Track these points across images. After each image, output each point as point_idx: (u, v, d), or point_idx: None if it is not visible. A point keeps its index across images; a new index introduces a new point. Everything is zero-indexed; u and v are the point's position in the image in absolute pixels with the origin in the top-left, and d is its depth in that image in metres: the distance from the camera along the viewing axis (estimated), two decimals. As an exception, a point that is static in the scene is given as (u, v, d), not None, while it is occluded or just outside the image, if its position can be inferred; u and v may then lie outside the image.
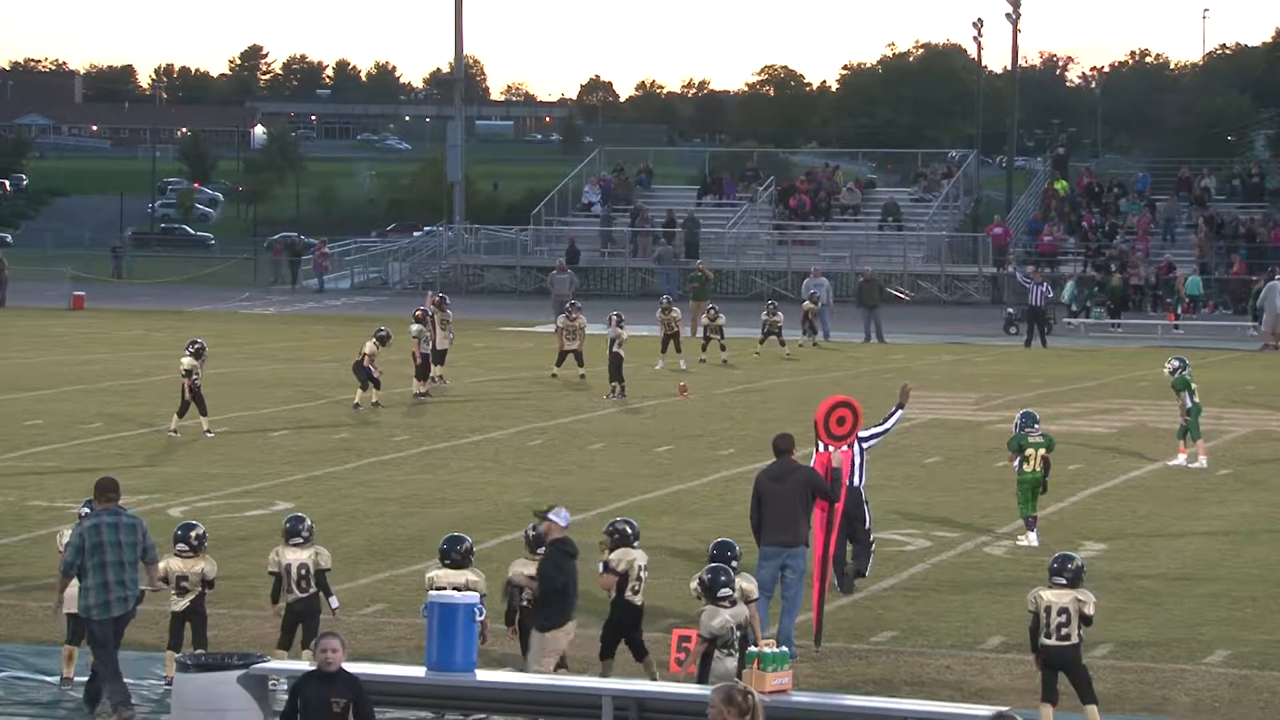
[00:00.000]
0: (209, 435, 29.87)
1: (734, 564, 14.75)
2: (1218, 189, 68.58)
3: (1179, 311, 56.73)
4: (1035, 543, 21.84)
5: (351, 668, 13.09)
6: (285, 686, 14.33)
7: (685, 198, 74.45)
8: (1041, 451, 22.15)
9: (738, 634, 14.02)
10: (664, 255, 67.51)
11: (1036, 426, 22.38)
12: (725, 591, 14.04)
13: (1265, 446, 30.83)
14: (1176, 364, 28.67)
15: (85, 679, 15.69)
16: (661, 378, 39.04)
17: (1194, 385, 28.38)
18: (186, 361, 29.98)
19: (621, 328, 36.08)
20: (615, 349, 35.75)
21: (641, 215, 70.42)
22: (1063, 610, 14.27)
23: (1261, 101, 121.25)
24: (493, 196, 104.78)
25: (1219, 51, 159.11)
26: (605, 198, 72.32)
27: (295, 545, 15.84)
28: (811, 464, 17.73)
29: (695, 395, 36.07)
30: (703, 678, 14.01)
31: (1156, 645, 17.50)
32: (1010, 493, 22.72)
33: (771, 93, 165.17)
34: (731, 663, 13.91)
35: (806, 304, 48.38)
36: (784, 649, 13.27)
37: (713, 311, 43.86)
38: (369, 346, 33.80)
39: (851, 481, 18.72)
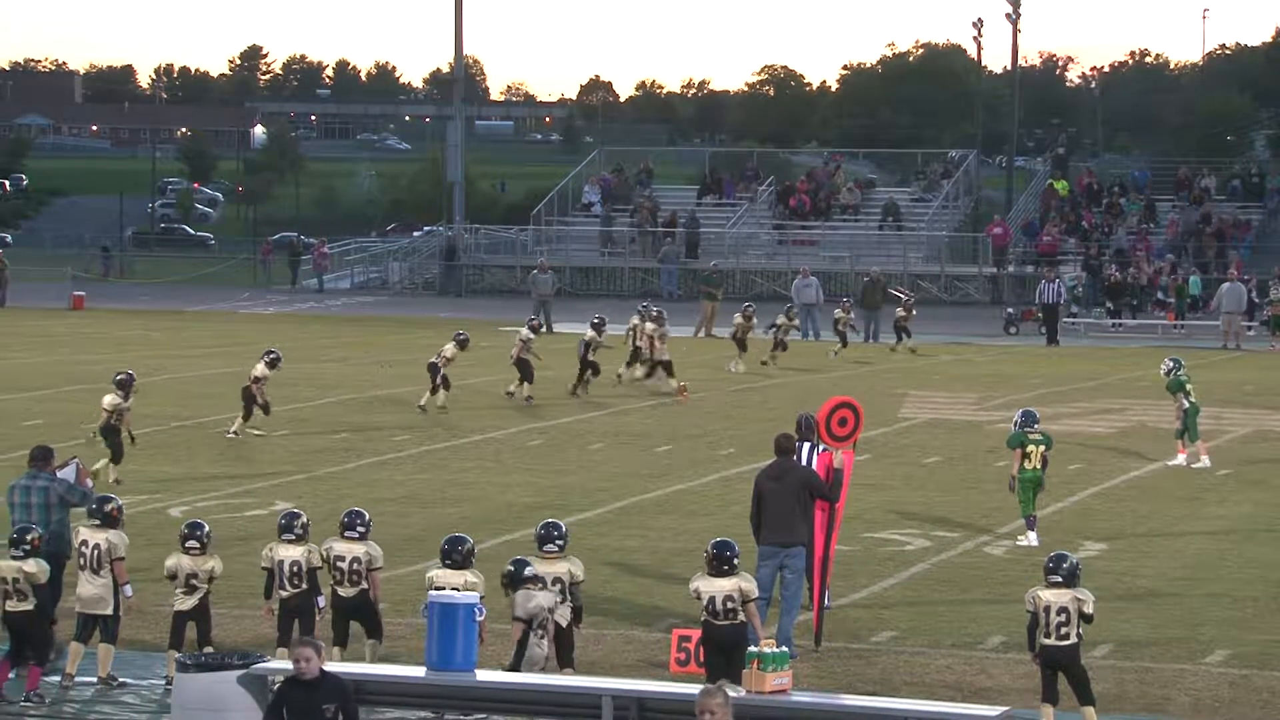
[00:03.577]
0: (230, 436, 29.74)
1: (735, 561, 14.75)
2: (1218, 189, 68.62)
3: (1182, 312, 56.75)
4: (1035, 542, 21.84)
5: (352, 668, 13.13)
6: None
7: (685, 197, 74.45)
8: (1041, 449, 22.16)
9: (550, 616, 14.56)
10: (668, 255, 67.58)
11: (1036, 425, 22.39)
12: (530, 571, 14.71)
13: (1265, 446, 30.84)
14: (1171, 364, 28.78)
15: (92, 679, 15.75)
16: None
17: (1190, 386, 28.39)
18: (259, 369, 29.91)
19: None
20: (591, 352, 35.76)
21: (645, 209, 70.35)
22: (1062, 610, 14.28)
23: (1261, 102, 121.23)
24: (493, 196, 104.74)
25: (1219, 51, 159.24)
26: (605, 198, 72.33)
27: (288, 541, 15.87)
28: (812, 464, 17.74)
29: (696, 395, 35.98)
30: (516, 663, 14.35)
31: (1156, 645, 17.51)
32: (1010, 492, 22.71)
33: (771, 93, 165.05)
34: (544, 645, 14.54)
35: (838, 312, 46.54)
36: (784, 649, 13.29)
37: (749, 310, 43.23)
38: (449, 350, 33.57)
39: None
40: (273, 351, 30.70)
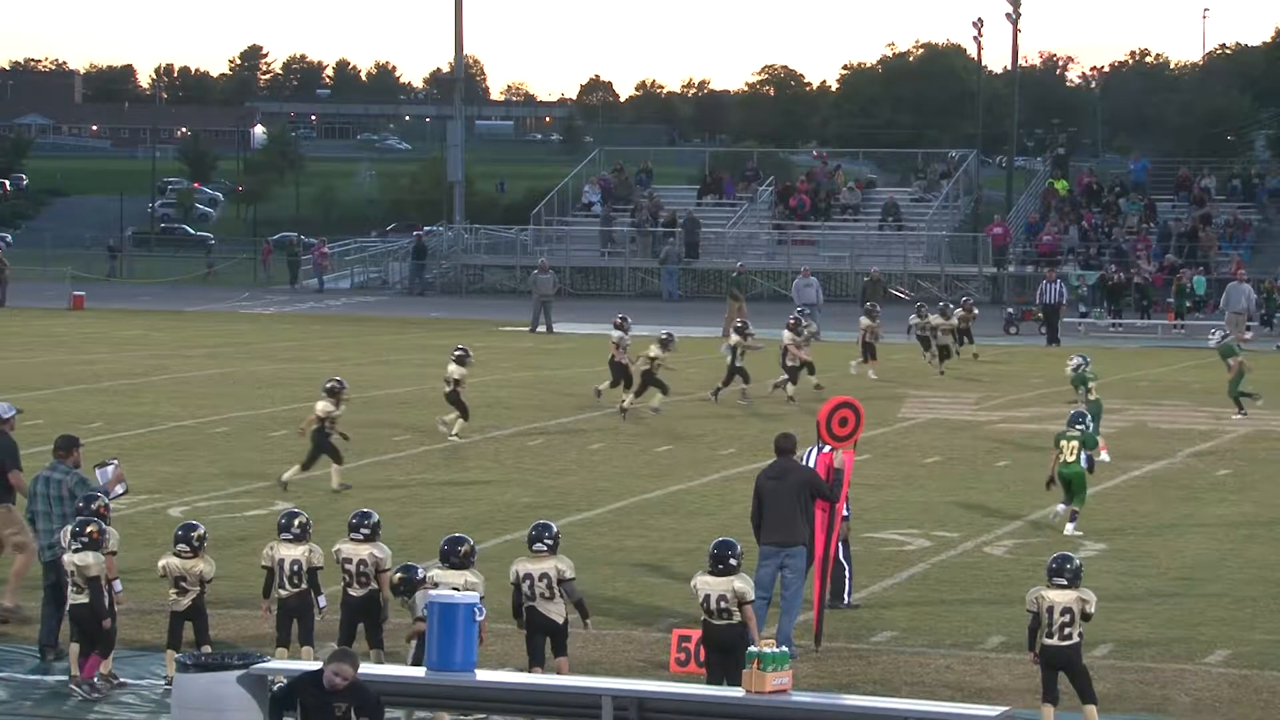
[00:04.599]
0: (454, 438, 29.79)
1: (733, 561, 14.73)
2: (1217, 189, 68.67)
3: (1181, 311, 56.79)
4: (1069, 531, 22.49)
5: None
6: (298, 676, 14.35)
7: (685, 197, 74.46)
8: (1074, 444, 22.74)
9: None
10: (669, 255, 67.57)
11: (1078, 426, 23.08)
12: (423, 574, 14.96)
13: (1265, 446, 30.84)
14: (1079, 361, 29.64)
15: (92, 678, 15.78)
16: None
17: (1093, 384, 29.06)
18: (454, 369, 29.90)
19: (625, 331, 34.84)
20: (623, 358, 34.20)
21: (649, 206, 70.25)
22: (1066, 610, 14.27)
23: (1261, 101, 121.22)
24: (493, 196, 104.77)
25: (1219, 51, 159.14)
26: (605, 198, 72.34)
27: (288, 541, 15.87)
28: (813, 465, 17.76)
29: (698, 395, 35.89)
30: (419, 658, 14.40)
31: (1156, 645, 17.50)
32: (1010, 492, 22.81)
33: (771, 93, 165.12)
34: None
35: (959, 312, 43.93)
36: (784, 649, 13.27)
37: (874, 309, 41.95)
38: (654, 350, 33.15)
39: None
40: (460, 348, 30.56)
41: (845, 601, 18.66)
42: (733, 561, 14.74)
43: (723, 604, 14.69)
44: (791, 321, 36.54)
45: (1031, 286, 59.81)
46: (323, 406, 25.57)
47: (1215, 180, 69.41)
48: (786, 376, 35.73)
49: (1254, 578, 20.55)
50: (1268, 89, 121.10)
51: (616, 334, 34.62)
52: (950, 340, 42.57)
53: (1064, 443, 22.98)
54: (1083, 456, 23.11)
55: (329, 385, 25.95)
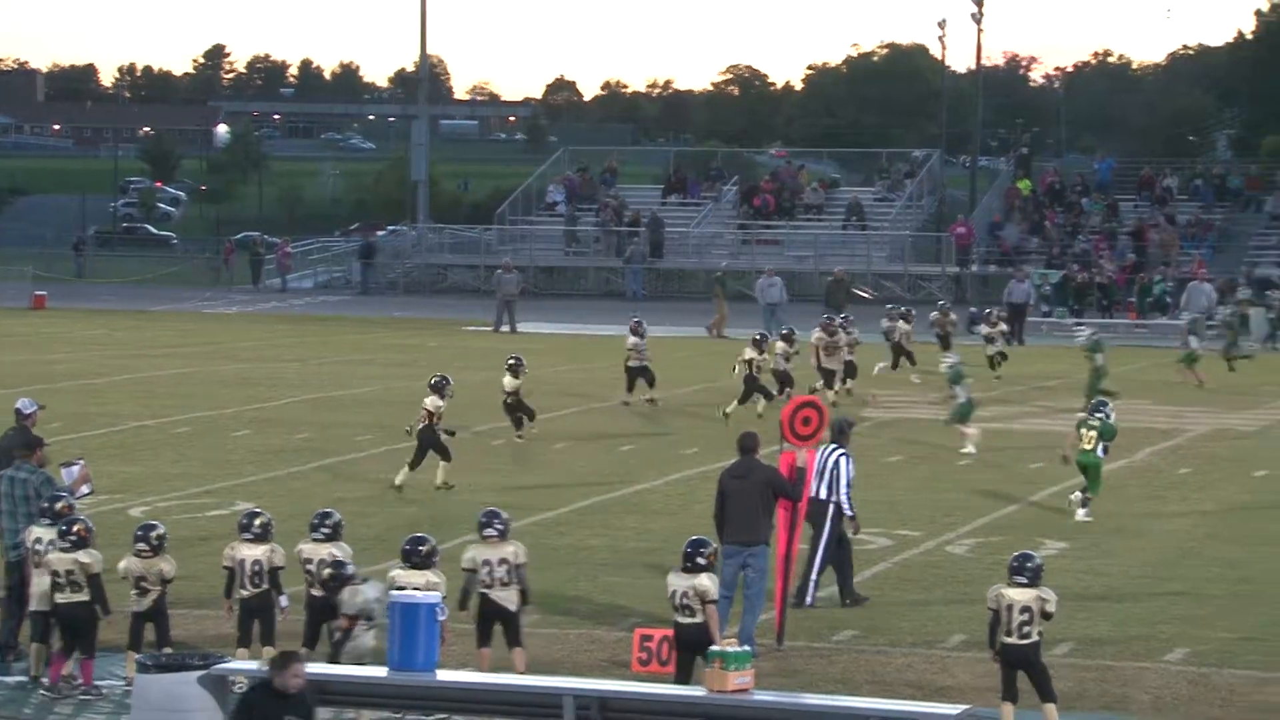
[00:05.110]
0: (529, 434, 30.02)
1: (701, 560, 14.75)
2: (1179, 188, 68.88)
3: (1144, 310, 57.00)
4: (1081, 516, 23.20)
5: (314, 668, 13.05)
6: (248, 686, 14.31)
7: (650, 197, 74.41)
8: (1093, 434, 23.52)
9: (377, 606, 14.57)
10: (634, 255, 67.54)
11: (1098, 415, 23.84)
12: (352, 570, 14.98)
13: (1225, 445, 30.96)
14: (954, 359, 31.23)
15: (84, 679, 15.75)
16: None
17: (968, 381, 30.03)
18: (508, 380, 29.87)
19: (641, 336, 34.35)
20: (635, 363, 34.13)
21: (613, 206, 70.17)
22: (1025, 609, 14.31)
23: (1224, 101, 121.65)
24: (457, 196, 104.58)
25: (1182, 52, 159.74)
26: (570, 197, 72.28)
27: (248, 541, 15.84)
28: (841, 470, 18.21)
29: (661, 394, 35.88)
30: (336, 654, 14.53)
31: (1116, 643, 17.55)
32: (968, 491, 22.85)
33: (736, 92, 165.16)
34: (370, 637, 14.57)
35: (984, 328, 42.26)
36: (746, 648, 13.29)
37: (945, 308, 41.59)
38: (749, 353, 32.91)
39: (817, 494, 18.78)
40: (513, 358, 30.44)
41: (808, 601, 18.71)
42: (700, 560, 14.78)
43: (685, 600, 14.73)
44: (825, 321, 36.26)
45: (995, 286, 59.90)
46: (432, 402, 25.40)
47: (1178, 180, 69.61)
48: (821, 381, 35.11)
49: (1214, 576, 20.62)
50: (1230, 89, 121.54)
51: (632, 339, 34.50)
52: (1001, 345, 41.71)
53: (1083, 431, 23.66)
54: (1099, 447, 23.63)
55: (434, 381, 25.79)
